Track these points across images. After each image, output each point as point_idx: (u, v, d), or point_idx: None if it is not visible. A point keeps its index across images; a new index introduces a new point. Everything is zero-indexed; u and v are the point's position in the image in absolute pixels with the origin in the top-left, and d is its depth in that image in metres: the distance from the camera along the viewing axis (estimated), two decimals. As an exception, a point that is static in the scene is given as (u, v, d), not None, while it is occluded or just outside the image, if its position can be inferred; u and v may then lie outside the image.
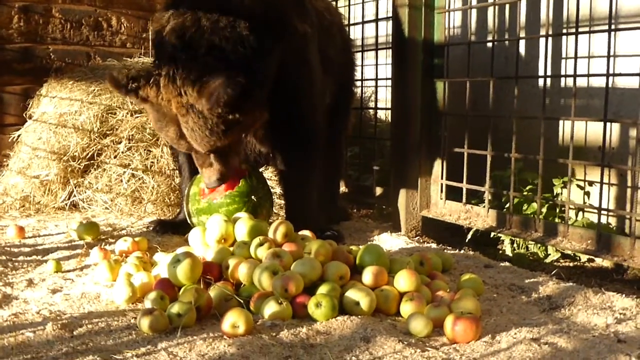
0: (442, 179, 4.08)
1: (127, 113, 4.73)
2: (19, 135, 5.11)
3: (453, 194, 4.08)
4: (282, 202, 4.12)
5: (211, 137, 3.09)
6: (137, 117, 4.71)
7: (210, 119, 3.03)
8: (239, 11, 3.12)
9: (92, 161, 4.66)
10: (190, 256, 2.69)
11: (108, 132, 4.70)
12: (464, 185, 3.95)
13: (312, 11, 3.67)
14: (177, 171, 4.40)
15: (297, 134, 3.56)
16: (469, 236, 4.04)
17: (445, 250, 3.61)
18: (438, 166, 4.12)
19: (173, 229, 3.81)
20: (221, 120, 3.05)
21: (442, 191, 4.10)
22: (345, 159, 4.78)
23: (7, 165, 5.04)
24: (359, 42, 4.99)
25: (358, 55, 4.82)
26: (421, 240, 4.00)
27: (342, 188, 4.81)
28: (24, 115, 5.30)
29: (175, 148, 3.53)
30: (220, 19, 3.07)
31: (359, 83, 4.95)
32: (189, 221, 3.60)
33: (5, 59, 5.82)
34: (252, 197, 3.47)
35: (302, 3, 3.57)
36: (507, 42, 4.39)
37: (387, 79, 4.62)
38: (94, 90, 4.84)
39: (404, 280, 2.67)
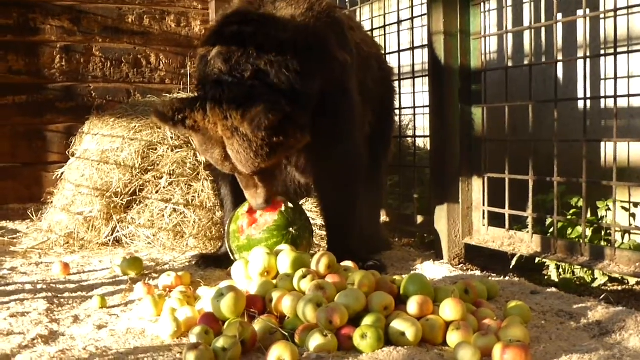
0: (483, 205, 4.04)
1: (168, 148, 4.78)
2: (62, 173, 5.18)
3: (496, 220, 4.03)
4: (324, 233, 4.11)
5: (255, 159, 3.12)
6: (178, 152, 4.76)
7: (255, 142, 3.07)
8: (282, 37, 3.18)
9: (134, 197, 4.68)
10: (233, 290, 2.67)
11: (149, 168, 4.73)
12: (507, 211, 3.90)
13: (351, 42, 3.70)
14: (218, 205, 4.43)
15: (337, 164, 3.56)
16: (514, 262, 3.98)
17: (490, 278, 3.57)
18: (479, 192, 4.08)
19: (215, 263, 3.79)
20: (265, 143, 3.07)
21: (484, 218, 4.05)
22: (386, 188, 4.76)
23: (52, 202, 5.09)
24: (395, 71, 4.98)
25: (395, 84, 4.82)
26: (465, 268, 3.96)
27: (384, 217, 4.78)
28: (67, 152, 5.39)
29: (219, 171, 3.56)
30: (265, 42, 3.13)
31: (396, 111, 4.90)
32: (231, 256, 3.61)
33: (48, 98, 5.99)
34: (290, 229, 3.45)
35: (342, 33, 3.60)
36: (544, 65, 4.35)
37: (425, 106, 4.61)
38: (135, 126, 4.89)
39: (449, 309, 2.62)
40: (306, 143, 3.27)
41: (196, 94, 3.25)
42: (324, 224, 3.98)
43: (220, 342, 2.39)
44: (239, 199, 3.67)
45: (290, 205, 3.54)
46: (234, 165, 3.20)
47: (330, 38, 3.43)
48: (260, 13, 3.28)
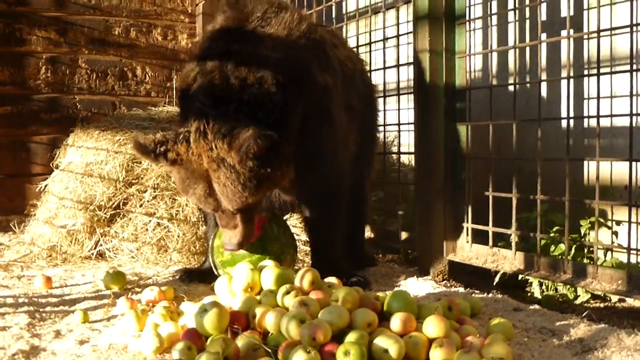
0: (467, 222, 4.05)
1: None
2: (46, 185, 5.13)
3: (479, 237, 4.04)
4: (309, 248, 4.09)
5: (243, 192, 3.07)
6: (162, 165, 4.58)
7: (242, 173, 3.03)
8: (265, 65, 3.16)
9: (118, 210, 4.64)
10: (217, 305, 2.65)
11: (133, 181, 4.70)
12: (490, 229, 3.92)
13: (334, 61, 3.68)
14: (201, 219, 4.41)
15: (320, 184, 3.56)
16: (497, 279, 4.00)
17: (473, 294, 3.57)
18: (463, 210, 4.09)
19: (199, 277, 3.77)
20: (252, 175, 3.04)
21: (468, 234, 4.06)
22: (370, 204, 4.73)
23: (35, 215, 5.04)
24: (380, 87, 5.01)
25: (380, 101, 4.83)
26: (448, 285, 3.95)
27: (368, 233, 4.77)
28: (51, 164, 5.34)
29: (201, 208, 3.45)
30: (248, 75, 3.11)
31: (381, 128, 4.97)
32: (215, 271, 3.59)
33: (32, 109, 5.96)
34: (274, 245, 3.47)
35: (325, 54, 3.59)
36: (528, 85, 4.38)
37: (409, 123, 4.63)
38: (120, 139, 4.85)
39: (432, 326, 2.61)
40: (291, 176, 3.28)
41: (177, 126, 3.22)
42: (308, 239, 3.99)
43: (202, 358, 2.37)
44: None
45: (274, 220, 3.55)
46: (218, 201, 3.14)
47: (312, 62, 3.42)
48: (240, 45, 3.26)
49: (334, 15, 5.89)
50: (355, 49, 5.09)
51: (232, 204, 3.13)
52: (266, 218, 3.51)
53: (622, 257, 3.60)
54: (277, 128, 3.05)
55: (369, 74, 4.77)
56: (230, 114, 3.04)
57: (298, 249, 3.84)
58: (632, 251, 3.30)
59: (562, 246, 3.67)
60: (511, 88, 3.99)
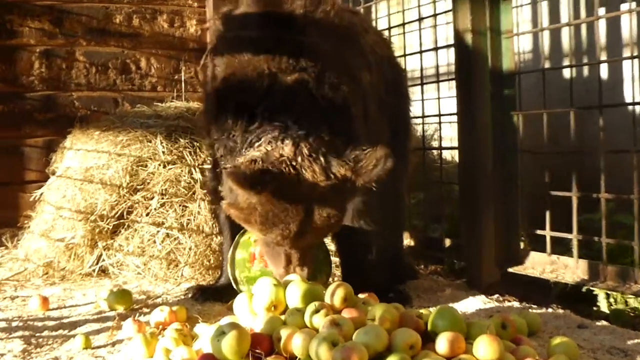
0: (521, 226, 4.01)
1: (160, 165, 4.71)
2: (41, 194, 5.12)
3: (535, 244, 4.02)
4: (337, 259, 4.07)
5: (337, 223, 3.11)
6: (171, 168, 4.71)
7: (344, 201, 3.11)
8: (331, 63, 3.16)
9: (121, 220, 4.62)
10: (236, 327, 2.63)
11: (139, 187, 4.68)
12: (548, 233, 3.86)
13: (368, 51, 3.66)
14: (216, 229, 4.41)
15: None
16: (557, 292, 3.98)
17: (530, 310, 3.50)
18: (516, 212, 4.06)
19: (215, 295, 3.77)
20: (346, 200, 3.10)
21: (522, 240, 4.03)
22: (409, 208, 4.69)
23: (29, 227, 5.02)
24: (417, 74, 4.94)
25: (417, 89, 4.77)
26: (501, 299, 3.90)
27: (407, 241, 4.72)
28: (47, 170, 5.33)
29: (218, 192, 3.41)
30: (319, 76, 3.10)
31: (419, 120, 4.89)
32: (234, 287, 3.56)
33: (25, 109, 5.95)
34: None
35: (359, 45, 3.59)
36: (586, 67, 4.35)
37: (451, 114, 4.55)
38: (123, 140, 4.83)
39: (484, 348, 2.56)
40: None
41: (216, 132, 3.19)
42: (337, 249, 3.96)
43: (221, 388, 2.22)
44: (238, 224, 3.53)
45: None
46: (307, 236, 3.10)
47: (355, 60, 3.41)
48: (293, 34, 3.17)
49: (361, -6, 5.74)
50: (386, 32, 5.08)
51: (321, 236, 3.20)
52: None
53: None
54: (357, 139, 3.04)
55: (397, 59, 4.68)
56: (317, 126, 3.00)
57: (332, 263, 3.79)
58: None
59: (637, 252, 3.54)
60: (566, 71, 3.91)
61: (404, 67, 4.66)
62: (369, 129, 3.38)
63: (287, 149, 2.91)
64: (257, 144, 2.96)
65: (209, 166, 4.00)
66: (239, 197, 3.04)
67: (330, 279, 3.80)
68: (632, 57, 3.32)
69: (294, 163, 2.90)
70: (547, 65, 4.44)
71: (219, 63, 3.24)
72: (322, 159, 2.89)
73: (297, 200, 2.97)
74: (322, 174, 2.90)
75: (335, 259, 4.20)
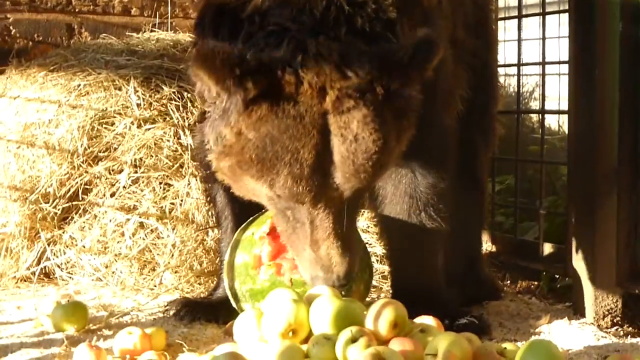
0: None
1: (133, 123, 4.26)
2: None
3: None
4: (386, 267, 3.76)
5: (383, 152, 2.64)
6: (149, 128, 4.23)
7: (387, 115, 2.64)
8: None
9: (75, 202, 4.21)
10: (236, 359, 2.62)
11: (101, 155, 4.24)
12: None
13: None
14: (211, 217, 4.02)
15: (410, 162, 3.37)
16: None
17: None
18: None
19: (207, 313, 3.42)
20: (397, 115, 2.70)
21: None
22: (491, 198, 4.38)
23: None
24: (511, 2, 4.57)
25: (511, 25, 4.42)
26: (622, 332, 3.57)
27: (486, 245, 4.37)
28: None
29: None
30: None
31: (511, 70, 4.58)
32: (232, 303, 3.26)
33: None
34: None
35: None
36: None
37: (560, 62, 4.20)
38: (79, 85, 4.39)
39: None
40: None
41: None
42: (386, 253, 3.57)
43: None
44: (246, 210, 3.26)
45: None
46: (332, 178, 2.68)
47: None
48: None
49: None
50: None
51: (359, 183, 2.70)
52: None
53: None
54: None
55: None
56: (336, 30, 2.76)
57: (373, 270, 3.55)
58: None
59: None
60: None
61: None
62: (437, 79, 3.10)
63: (283, 49, 2.69)
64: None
65: (199, 124, 3.59)
66: (224, 132, 2.67)
67: (375, 295, 3.63)
68: None
69: (296, 60, 2.64)
70: None
71: None
72: (335, 56, 2.63)
73: (308, 117, 2.63)
74: (336, 72, 2.60)
75: (382, 267, 3.93)
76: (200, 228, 4.25)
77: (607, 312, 3.70)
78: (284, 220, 2.88)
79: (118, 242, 4.20)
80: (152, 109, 4.35)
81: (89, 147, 4.30)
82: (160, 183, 4.27)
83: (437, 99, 3.31)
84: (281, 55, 2.68)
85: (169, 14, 5.80)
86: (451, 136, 3.45)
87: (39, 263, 4.23)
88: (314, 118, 2.65)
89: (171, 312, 3.56)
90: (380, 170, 2.87)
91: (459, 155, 3.51)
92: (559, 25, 4.33)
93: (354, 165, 2.67)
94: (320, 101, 2.64)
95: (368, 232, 4.34)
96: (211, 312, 3.46)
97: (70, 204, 4.29)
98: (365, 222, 4.39)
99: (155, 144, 4.26)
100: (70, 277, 4.22)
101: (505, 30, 4.39)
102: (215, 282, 3.75)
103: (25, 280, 4.23)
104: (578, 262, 3.83)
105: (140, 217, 4.21)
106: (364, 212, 4.14)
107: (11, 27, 5.59)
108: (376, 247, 4.18)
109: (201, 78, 2.69)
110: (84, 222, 4.27)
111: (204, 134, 3.10)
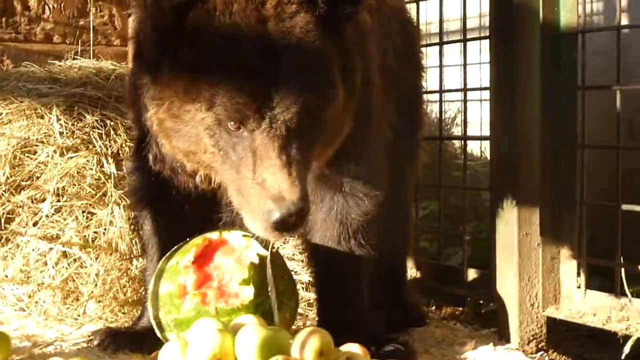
0: (579, 254, 3.70)
1: (55, 151, 4.21)
2: None
3: (598, 278, 3.78)
4: (312, 295, 3.81)
5: (327, 71, 2.64)
6: (72, 157, 4.17)
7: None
8: None
9: None
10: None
11: (24, 184, 4.18)
12: (618, 264, 3.53)
13: None
14: (137, 245, 3.95)
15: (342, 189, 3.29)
16: (628, 348, 3.51)
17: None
18: (572, 233, 3.69)
19: (132, 343, 3.33)
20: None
21: (579, 275, 3.69)
22: (415, 223, 4.35)
23: None
24: (434, 28, 4.55)
25: (433, 51, 4.39)
26: (547, 358, 3.64)
27: (411, 271, 4.33)
28: None
29: (141, 192, 3.15)
30: None
31: (434, 97, 4.55)
32: (157, 333, 3.19)
33: None
34: (269, 293, 3.02)
35: None
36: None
37: (482, 89, 4.21)
38: (2, 114, 4.32)
39: None
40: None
41: None
42: (313, 280, 3.61)
43: None
44: (173, 238, 3.23)
45: (263, 252, 3.12)
46: (271, 99, 2.56)
47: None
48: None
49: None
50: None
51: (305, 90, 2.57)
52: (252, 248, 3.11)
53: None
54: None
55: (408, 12, 4.26)
56: None
57: (299, 298, 3.53)
58: None
59: None
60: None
61: (415, 19, 4.35)
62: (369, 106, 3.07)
63: None
64: None
65: (132, 151, 3.52)
66: (157, 78, 2.62)
67: (300, 322, 3.61)
68: None
69: None
70: (624, 21, 4.13)
71: None
72: None
73: (243, 25, 2.58)
74: None
75: (308, 295, 3.92)
76: (125, 257, 4.21)
77: (532, 338, 3.77)
78: (227, 163, 2.69)
79: (41, 271, 4.13)
80: (74, 137, 4.34)
81: (11, 176, 4.26)
82: (84, 212, 4.24)
83: (370, 126, 3.25)
84: None
85: (91, 42, 5.81)
86: (384, 162, 3.40)
87: (-45, 292, 4.51)
88: (252, 25, 2.61)
89: (95, 342, 3.46)
90: (324, 102, 2.70)
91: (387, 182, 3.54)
92: (480, 51, 4.40)
93: (296, 73, 2.59)
94: (259, 7, 2.62)
95: (294, 259, 4.33)
96: (136, 341, 3.39)
97: (-10, 232, 4.60)
98: (290, 249, 4.33)
99: (78, 172, 4.23)
100: (-8, 307, 4.52)
101: (427, 57, 4.38)
102: (139, 312, 3.69)
103: (-62, 310, 4.52)
104: (502, 287, 3.90)
105: (63, 246, 4.17)
106: (288, 240, 4.12)
107: None
108: (302, 275, 4.18)
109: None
110: (6, 252, 4.23)
111: (142, 163, 3.08)
